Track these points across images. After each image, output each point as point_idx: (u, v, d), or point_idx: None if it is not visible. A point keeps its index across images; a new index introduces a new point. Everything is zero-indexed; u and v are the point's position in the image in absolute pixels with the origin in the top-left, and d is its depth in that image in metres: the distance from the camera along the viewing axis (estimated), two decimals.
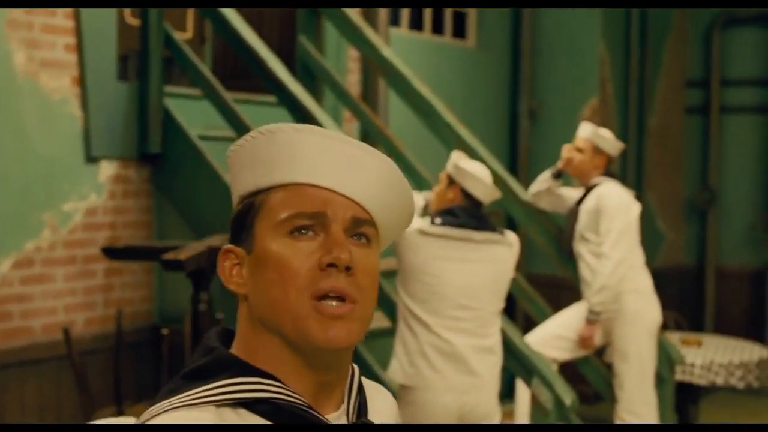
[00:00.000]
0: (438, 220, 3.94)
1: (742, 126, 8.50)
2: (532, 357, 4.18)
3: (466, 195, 4.02)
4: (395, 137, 5.59)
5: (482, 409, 3.90)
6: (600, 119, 7.47)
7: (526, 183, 7.23)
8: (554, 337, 4.89)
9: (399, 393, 3.99)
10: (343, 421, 1.25)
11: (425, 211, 4.30)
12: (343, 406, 1.27)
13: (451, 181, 4.06)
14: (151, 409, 1.18)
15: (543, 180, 5.18)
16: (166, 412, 1.15)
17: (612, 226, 4.77)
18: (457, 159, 4.10)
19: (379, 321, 4.73)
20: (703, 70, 8.59)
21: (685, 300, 8.54)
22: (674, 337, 6.11)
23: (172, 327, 4.59)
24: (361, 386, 1.31)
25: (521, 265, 7.66)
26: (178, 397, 1.17)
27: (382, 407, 1.36)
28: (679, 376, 5.49)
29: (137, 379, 4.92)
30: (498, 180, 5.16)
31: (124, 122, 4.94)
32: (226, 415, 1.16)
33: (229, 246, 1.26)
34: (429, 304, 3.91)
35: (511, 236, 4.09)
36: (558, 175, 5.14)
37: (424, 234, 3.93)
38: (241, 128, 4.88)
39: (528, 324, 6.20)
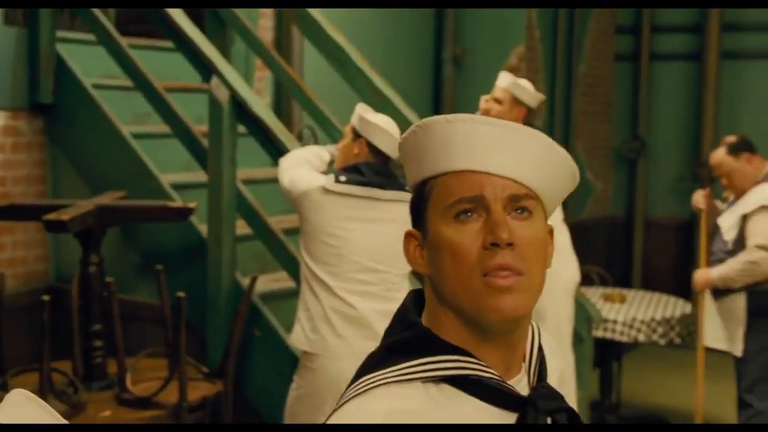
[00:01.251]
0: (342, 178, 3.69)
1: (672, 74, 8.34)
2: None
3: (373, 150, 3.78)
4: (309, 89, 5.31)
5: None
6: (527, 66, 7.26)
7: None
8: None
9: (301, 359, 3.78)
10: (524, 383, 1.35)
11: (330, 167, 4.05)
12: (524, 367, 1.37)
13: (357, 135, 3.81)
14: (363, 379, 1.31)
15: None
16: (379, 386, 1.28)
17: None
18: (362, 111, 3.84)
19: (284, 282, 4.50)
20: (634, 16, 8.40)
21: (614, 252, 8.42)
22: (597, 293, 5.96)
23: (67, 288, 4.32)
24: (540, 348, 1.39)
25: None
26: (387, 371, 1.29)
27: (553, 366, 1.42)
28: (601, 333, 5.35)
29: (32, 346, 4.63)
30: None
31: (13, 70, 4.61)
32: (431, 390, 1.28)
33: (411, 230, 1.40)
34: (332, 267, 3.68)
35: None
36: None
37: (327, 192, 3.68)
38: (138, 77, 4.58)
39: None
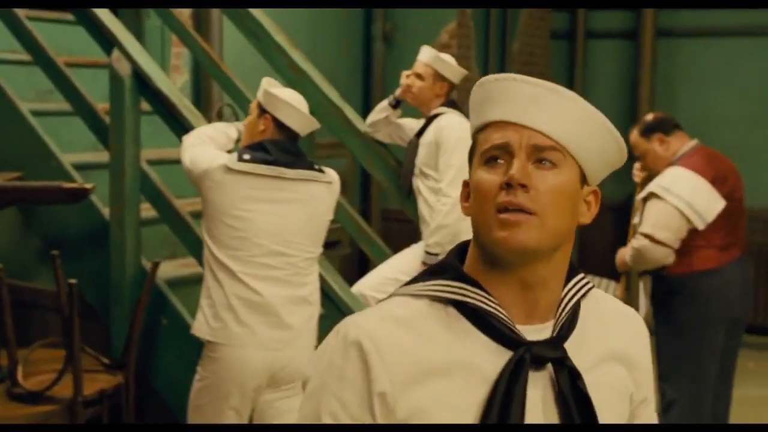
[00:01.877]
0: (246, 156, 3.47)
1: (609, 52, 8.21)
2: (355, 306, 3.78)
3: (279, 126, 3.57)
4: (227, 66, 5.07)
5: (296, 365, 3.50)
6: (458, 43, 7.07)
7: None
8: (389, 281, 4.48)
9: (204, 348, 3.56)
10: (546, 333, 1.42)
11: (238, 145, 3.83)
12: (552, 321, 1.44)
13: (262, 111, 3.60)
14: (395, 290, 1.47)
15: (380, 109, 4.75)
16: (397, 296, 1.44)
17: (451, 161, 4.37)
18: (268, 85, 3.63)
19: (194, 267, 4.28)
20: None
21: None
22: None
23: None
24: (575, 308, 1.46)
25: (377, 201, 7.27)
26: (408, 287, 1.45)
27: (599, 338, 1.49)
28: None
29: None
30: (333, 108, 4.74)
31: None
32: (435, 309, 1.41)
33: (466, 178, 1.49)
34: (235, 251, 3.47)
35: (331, 174, 3.66)
36: (396, 104, 4.71)
37: (229, 171, 3.46)
38: (38, 51, 4.32)
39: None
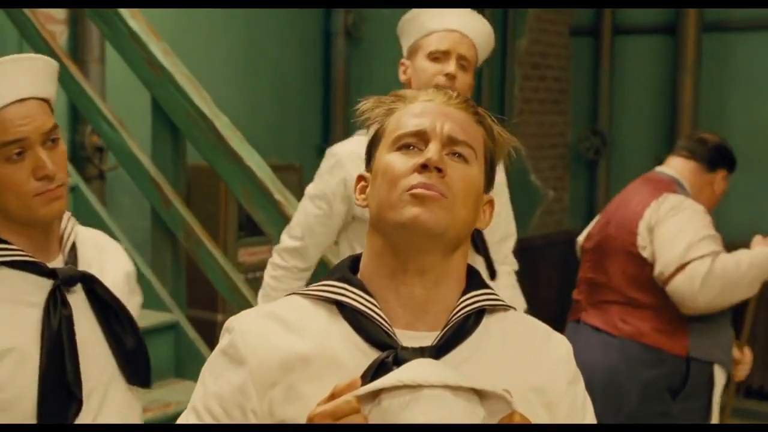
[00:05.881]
0: None
1: (642, 51, 6.76)
2: None
3: None
4: (111, 110, 3.84)
5: None
6: None
7: (345, 115, 5.60)
8: None
9: None
10: (427, 342, 1.37)
11: None
12: (438, 335, 1.39)
13: None
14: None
15: None
16: (291, 295, 1.46)
17: None
18: None
19: None
20: None
21: (570, 276, 6.81)
22: None
23: None
24: (470, 317, 1.41)
25: None
26: (303, 288, 1.50)
27: (503, 361, 1.42)
28: None
29: None
30: (200, 120, 3.55)
31: None
32: (317, 307, 1.42)
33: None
34: None
35: None
36: None
37: None
38: None
39: None
